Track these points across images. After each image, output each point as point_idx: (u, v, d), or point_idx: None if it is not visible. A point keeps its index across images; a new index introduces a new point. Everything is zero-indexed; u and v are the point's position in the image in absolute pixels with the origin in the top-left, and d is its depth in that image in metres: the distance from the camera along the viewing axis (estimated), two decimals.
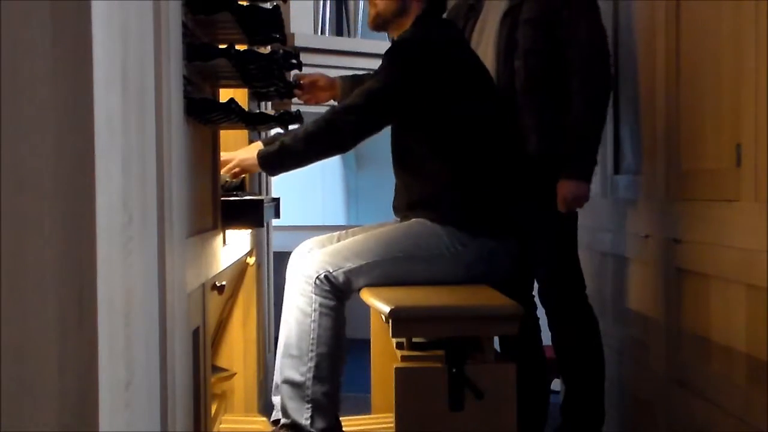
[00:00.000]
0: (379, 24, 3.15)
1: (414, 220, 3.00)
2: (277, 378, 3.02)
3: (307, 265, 2.87)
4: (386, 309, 2.54)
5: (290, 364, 2.86)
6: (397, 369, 2.56)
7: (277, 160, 2.97)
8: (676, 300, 2.99)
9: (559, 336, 3.40)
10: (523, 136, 3.26)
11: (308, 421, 2.82)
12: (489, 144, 3.03)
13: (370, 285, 2.87)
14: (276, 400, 3.06)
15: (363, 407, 3.62)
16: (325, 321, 2.83)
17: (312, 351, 2.83)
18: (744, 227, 2.44)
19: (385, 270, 2.89)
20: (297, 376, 2.84)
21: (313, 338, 2.83)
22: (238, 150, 3.03)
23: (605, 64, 3.28)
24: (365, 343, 3.44)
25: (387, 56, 3.01)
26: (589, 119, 3.24)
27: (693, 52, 2.91)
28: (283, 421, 2.88)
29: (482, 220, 2.96)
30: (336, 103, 3.22)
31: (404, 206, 3.08)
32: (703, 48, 2.82)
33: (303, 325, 2.83)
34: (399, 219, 3.13)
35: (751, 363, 2.44)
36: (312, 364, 2.83)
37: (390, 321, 2.54)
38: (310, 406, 2.83)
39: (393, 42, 3.10)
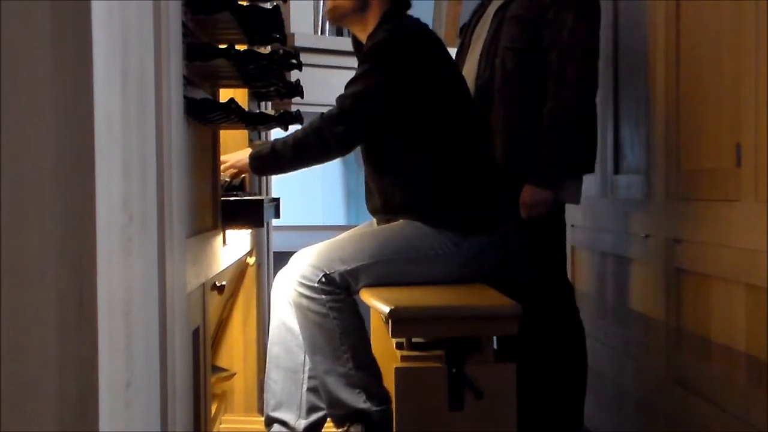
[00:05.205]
0: (336, 17, 3.08)
1: (404, 221, 2.97)
2: (271, 388, 2.98)
3: (304, 272, 2.85)
4: (386, 309, 2.54)
5: (324, 360, 2.85)
6: (397, 369, 2.56)
7: (266, 164, 2.98)
8: (676, 300, 2.99)
9: (543, 345, 3.29)
10: (491, 136, 3.16)
11: (367, 404, 2.83)
12: (467, 140, 3.00)
13: (368, 285, 2.87)
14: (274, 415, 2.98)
15: None
16: (344, 314, 2.85)
17: (344, 344, 2.84)
18: (744, 227, 2.45)
19: (382, 271, 2.89)
20: (338, 367, 2.85)
21: (341, 333, 2.83)
22: (235, 153, 3.02)
23: (586, 71, 3.13)
24: None
25: (368, 58, 2.94)
26: (558, 126, 3.12)
27: (693, 52, 2.91)
28: (333, 412, 2.87)
29: (470, 218, 2.95)
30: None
31: (385, 209, 3.03)
32: (703, 48, 2.82)
33: (326, 324, 2.83)
34: (379, 221, 3.10)
35: (751, 363, 2.44)
36: (348, 355, 2.84)
37: (389, 321, 2.54)
38: (360, 390, 2.84)
39: (371, 44, 2.97)
